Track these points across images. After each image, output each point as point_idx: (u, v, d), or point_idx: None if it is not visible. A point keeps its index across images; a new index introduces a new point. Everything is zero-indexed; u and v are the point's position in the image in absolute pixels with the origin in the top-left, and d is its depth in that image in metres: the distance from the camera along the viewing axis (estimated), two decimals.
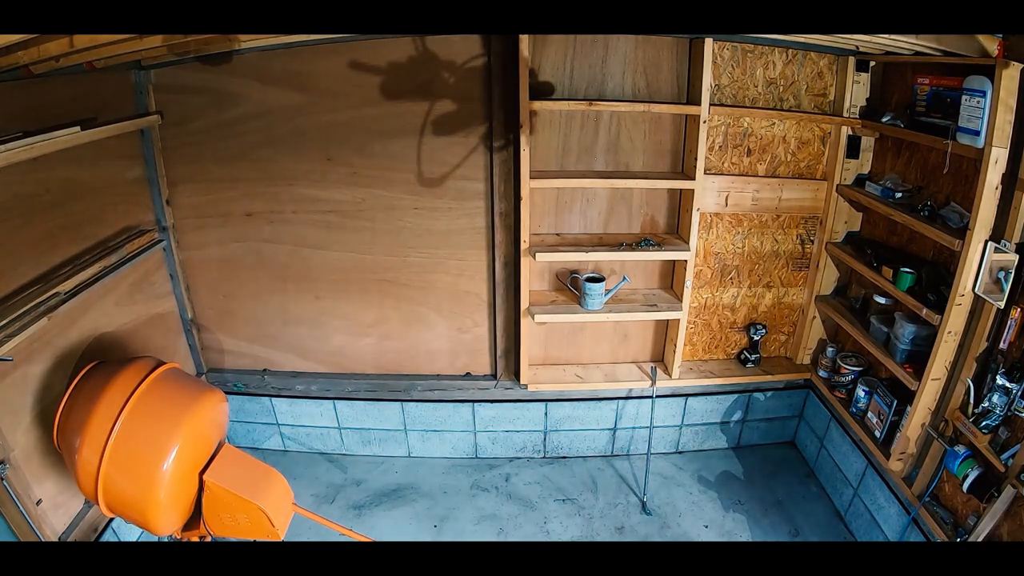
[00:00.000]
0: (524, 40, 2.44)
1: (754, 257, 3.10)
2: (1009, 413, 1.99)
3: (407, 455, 3.46)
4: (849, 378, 2.91)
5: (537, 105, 2.59)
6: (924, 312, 2.27)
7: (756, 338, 3.22)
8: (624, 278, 2.99)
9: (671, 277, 3.15)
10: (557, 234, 3.00)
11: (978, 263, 2.03)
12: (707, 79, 2.58)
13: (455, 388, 3.26)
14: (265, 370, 3.31)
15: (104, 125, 2.30)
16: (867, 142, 2.79)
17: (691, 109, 2.66)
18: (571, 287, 3.05)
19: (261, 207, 2.92)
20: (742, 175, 2.91)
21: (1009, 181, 1.95)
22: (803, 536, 2.93)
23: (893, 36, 1.94)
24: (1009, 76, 1.85)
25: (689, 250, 2.87)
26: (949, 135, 2.10)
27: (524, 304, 2.96)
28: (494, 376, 3.28)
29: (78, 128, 2.08)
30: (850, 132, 2.77)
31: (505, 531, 2.99)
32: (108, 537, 2.44)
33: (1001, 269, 1.99)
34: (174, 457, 1.88)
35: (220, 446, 2.12)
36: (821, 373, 3.13)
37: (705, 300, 3.19)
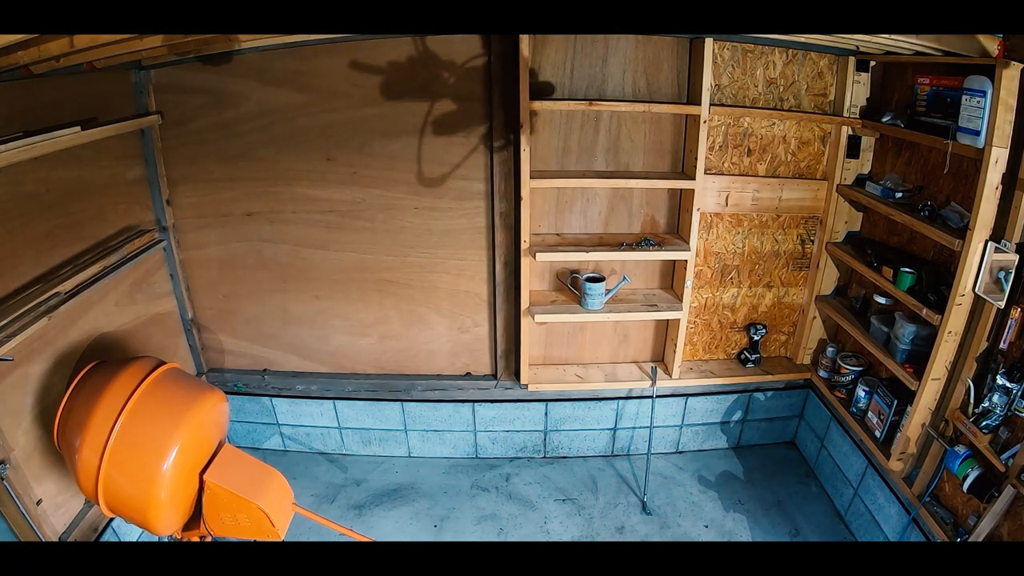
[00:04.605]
0: (524, 40, 2.44)
1: (754, 257, 3.10)
2: (1009, 413, 1.99)
3: (407, 455, 3.46)
4: (849, 378, 2.91)
5: (537, 105, 2.59)
6: (924, 312, 2.27)
7: (756, 338, 3.22)
8: (624, 278, 2.99)
9: (671, 277, 3.15)
10: (557, 234, 3.00)
11: (978, 263, 2.03)
12: (707, 79, 2.58)
13: (455, 388, 3.26)
14: (265, 370, 3.32)
15: (104, 125, 2.30)
16: (867, 142, 2.79)
17: (691, 109, 2.66)
18: (571, 287, 3.05)
19: (261, 207, 2.92)
20: (742, 175, 2.91)
21: (1009, 181, 1.95)
22: (803, 536, 2.93)
23: (893, 36, 1.94)
24: (1009, 76, 1.85)
25: (689, 250, 2.87)
26: (949, 135, 2.10)
27: (524, 304, 2.96)
28: (494, 376, 3.29)
29: (78, 128, 2.08)
30: (850, 132, 2.77)
31: (505, 531, 2.99)
32: (108, 537, 2.44)
33: (1001, 269, 1.99)
34: (174, 457, 1.88)
35: (220, 446, 2.13)
36: (821, 373, 3.13)
37: (705, 300, 3.19)
